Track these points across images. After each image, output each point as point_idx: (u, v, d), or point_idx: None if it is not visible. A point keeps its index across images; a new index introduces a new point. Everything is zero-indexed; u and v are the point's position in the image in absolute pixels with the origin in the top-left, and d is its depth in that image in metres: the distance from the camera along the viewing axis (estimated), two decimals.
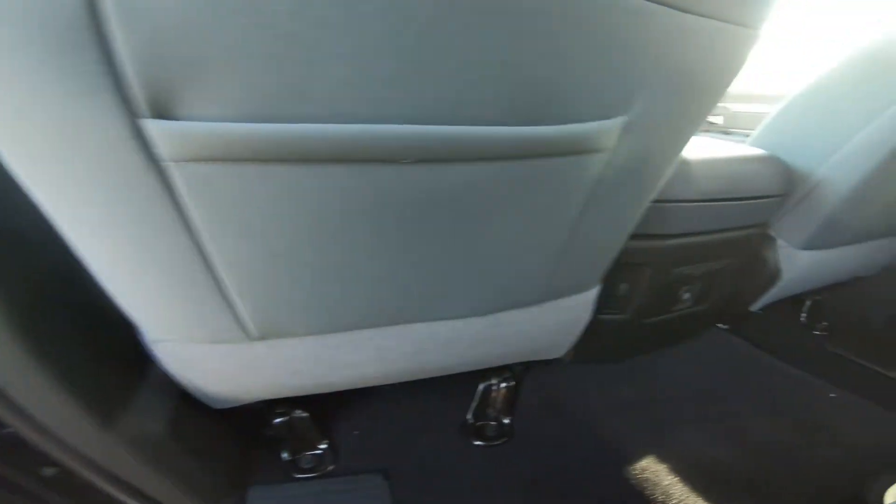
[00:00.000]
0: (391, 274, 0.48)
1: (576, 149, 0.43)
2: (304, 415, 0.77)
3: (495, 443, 0.86)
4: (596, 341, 0.91)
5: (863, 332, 1.26)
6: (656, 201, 0.69)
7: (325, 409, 0.87)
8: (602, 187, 0.49)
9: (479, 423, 0.90)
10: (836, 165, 0.89)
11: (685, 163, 0.81)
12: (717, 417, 0.96)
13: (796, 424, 0.95)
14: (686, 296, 1.00)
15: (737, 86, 0.50)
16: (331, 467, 0.78)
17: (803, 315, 1.35)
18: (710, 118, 1.66)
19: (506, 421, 0.90)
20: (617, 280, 0.85)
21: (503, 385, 0.90)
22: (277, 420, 0.75)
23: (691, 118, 0.49)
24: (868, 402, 1.03)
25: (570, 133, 0.41)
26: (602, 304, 0.78)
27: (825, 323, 1.33)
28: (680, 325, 1.09)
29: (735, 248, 0.99)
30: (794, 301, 1.31)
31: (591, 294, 0.72)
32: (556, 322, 0.70)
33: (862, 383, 1.08)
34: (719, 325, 1.31)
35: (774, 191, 0.93)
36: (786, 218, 1.00)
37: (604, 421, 0.92)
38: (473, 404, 0.91)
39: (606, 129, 0.42)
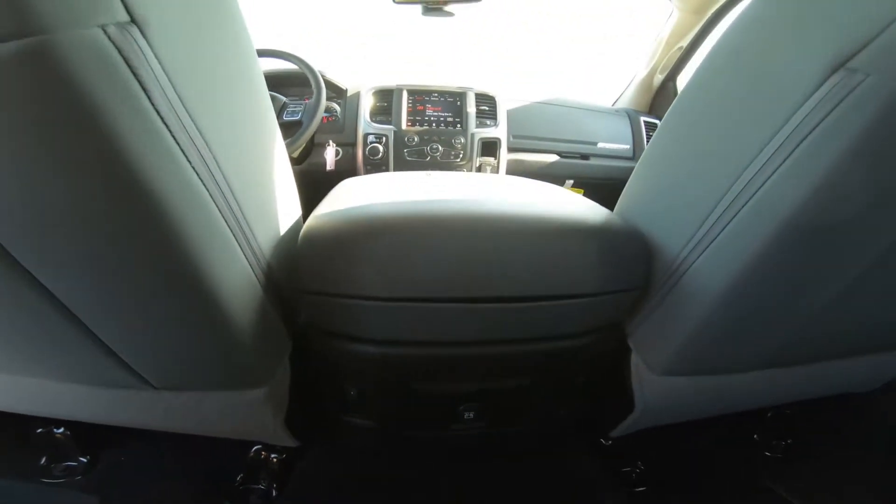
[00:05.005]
0: None
1: None
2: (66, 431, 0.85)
3: None
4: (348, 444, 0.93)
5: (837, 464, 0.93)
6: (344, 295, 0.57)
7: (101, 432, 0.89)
8: None
9: (242, 488, 0.86)
10: (702, 248, 0.54)
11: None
12: None
13: None
14: (468, 415, 0.76)
15: None
16: (78, 478, 0.86)
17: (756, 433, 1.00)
18: None
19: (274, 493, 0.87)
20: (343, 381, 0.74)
21: (273, 455, 0.88)
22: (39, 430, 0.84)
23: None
24: None
25: None
26: (339, 404, 0.77)
27: (788, 441, 0.98)
28: (486, 444, 0.91)
29: (550, 363, 0.70)
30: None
31: (258, 394, 0.62)
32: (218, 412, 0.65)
33: None
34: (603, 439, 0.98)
35: (622, 283, 0.61)
36: (642, 326, 0.68)
37: None
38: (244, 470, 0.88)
39: None
